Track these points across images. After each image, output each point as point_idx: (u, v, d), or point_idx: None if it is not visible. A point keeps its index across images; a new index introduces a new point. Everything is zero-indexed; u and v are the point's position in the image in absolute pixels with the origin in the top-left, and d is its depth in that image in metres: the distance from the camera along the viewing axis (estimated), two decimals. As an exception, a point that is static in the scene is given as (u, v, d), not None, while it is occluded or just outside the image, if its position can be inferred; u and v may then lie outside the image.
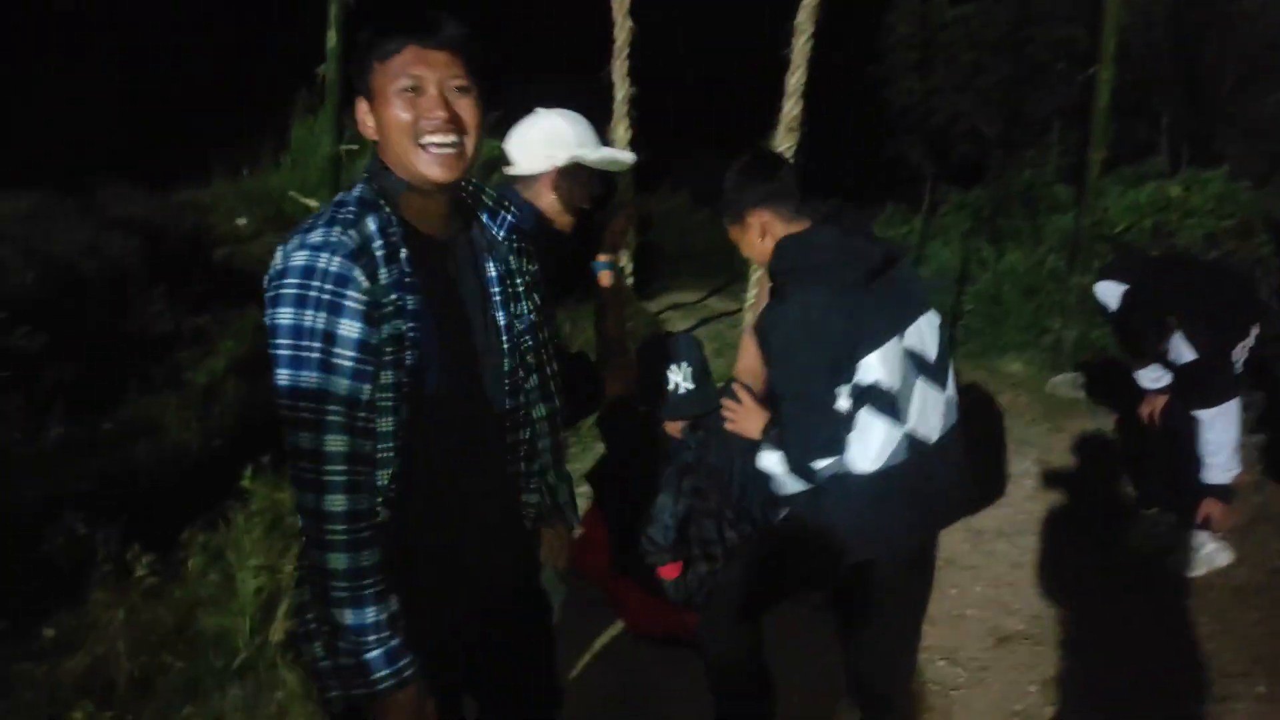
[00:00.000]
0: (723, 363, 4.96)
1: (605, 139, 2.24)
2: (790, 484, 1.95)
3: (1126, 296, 3.33)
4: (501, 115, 9.30)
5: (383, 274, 1.29)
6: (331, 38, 5.19)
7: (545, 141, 2.05)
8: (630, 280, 5.72)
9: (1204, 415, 3.18)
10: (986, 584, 3.42)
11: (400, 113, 1.33)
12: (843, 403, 1.87)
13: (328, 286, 1.24)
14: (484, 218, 1.50)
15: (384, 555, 1.31)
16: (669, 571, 2.77)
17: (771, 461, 1.98)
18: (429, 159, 1.33)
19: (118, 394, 4.95)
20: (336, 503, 1.25)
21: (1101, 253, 6.54)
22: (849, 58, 13.93)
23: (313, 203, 5.65)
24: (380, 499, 1.32)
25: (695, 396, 2.79)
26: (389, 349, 1.29)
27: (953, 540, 3.79)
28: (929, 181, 12.58)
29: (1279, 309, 4.51)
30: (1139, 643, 2.95)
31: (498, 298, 1.47)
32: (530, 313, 1.51)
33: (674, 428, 2.83)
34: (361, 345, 1.26)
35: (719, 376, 3.07)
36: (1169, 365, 3.30)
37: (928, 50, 13.06)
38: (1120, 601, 3.21)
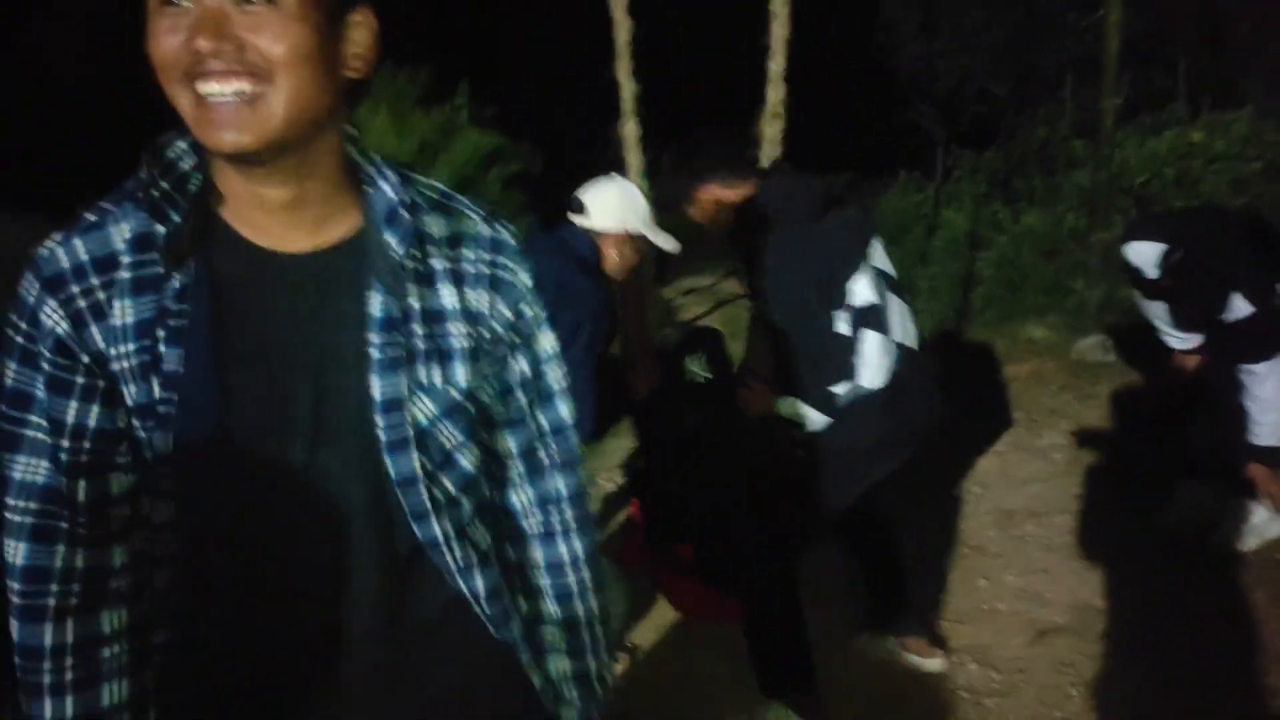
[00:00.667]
0: (739, 345, 4.74)
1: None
2: (817, 419, 2.19)
3: (1170, 258, 3.04)
4: (498, 110, 9.08)
5: (115, 313, 0.86)
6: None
7: (622, 206, 2.31)
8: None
9: (1259, 370, 2.90)
10: (1018, 573, 3.15)
11: (162, 39, 0.80)
12: (842, 327, 2.11)
13: (10, 316, 0.87)
14: (377, 219, 0.91)
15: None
16: (685, 549, 2.73)
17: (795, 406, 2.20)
18: (203, 116, 0.80)
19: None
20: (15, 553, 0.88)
21: (1123, 207, 6.23)
22: (852, 29, 13.63)
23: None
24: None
25: (713, 386, 2.79)
26: (109, 434, 0.88)
27: (979, 524, 3.54)
28: (941, 147, 12.24)
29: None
30: (1189, 630, 2.67)
31: (377, 354, 0.90)
32: (461, 381, 0.95)
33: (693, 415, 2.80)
34: (44, 412, 0.87)
35: (737, 358, 2.92)
36: (1216, 324, 3.02)
37: (932, 12, 12.70)
38: (1166, 584, 2.93)
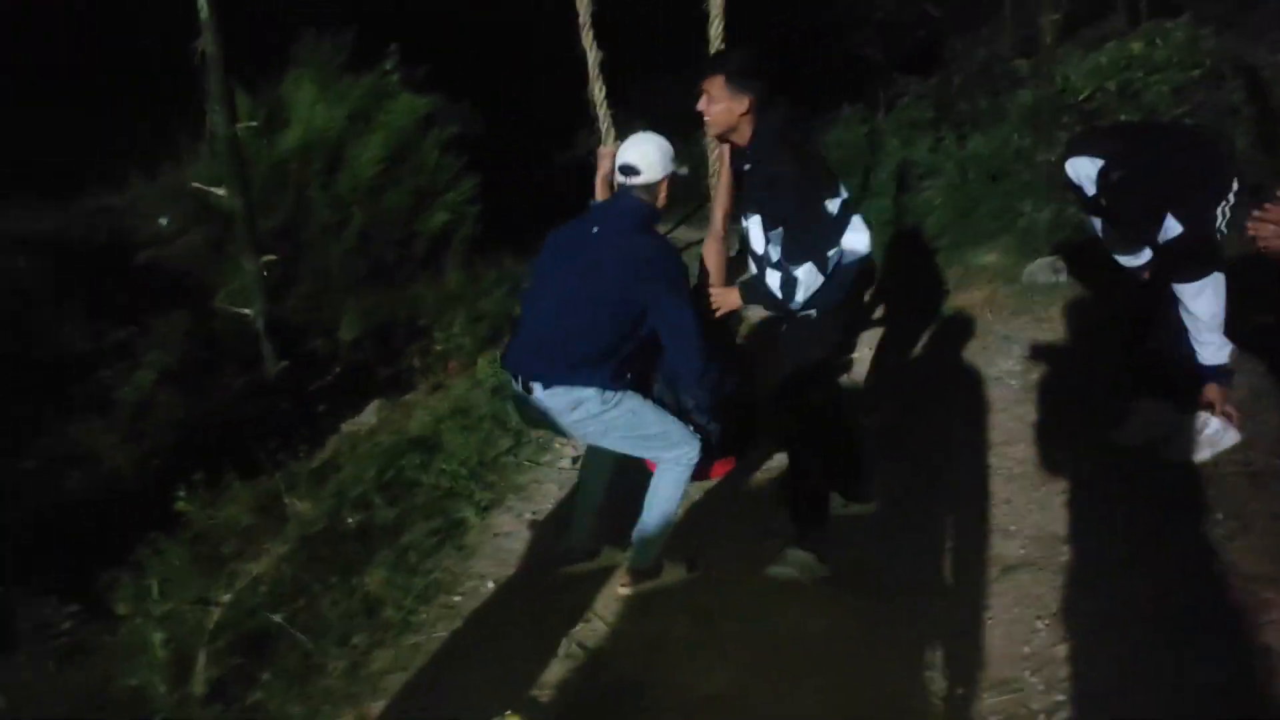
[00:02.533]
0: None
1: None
2: (813, 281, 2.66)
3: (1107, 175, 2.98)
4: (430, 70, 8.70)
5: None
6: (204, 7, 4.71)
7: (662, 155, 2.78)
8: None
9: (1190, 289, 2.87)
10: (979, 506, 3.13)
11: None
12: (833, 208, 2.77)
13: None
14: None
15: None
16: None
17: (775, 280, 2.69)
18: None
19: (35, 425, 4.60)
20: None
21: (1068, 124, 6.16)
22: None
23: (219, 190, 5.21)
24: None
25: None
26: None
27: (935, 458, 3.51)
28: (885, 76, 12.08)
29: (1263, 160, 4.15)
30: (1152, 552, 2.67)
31: None
32: None
33: None
34: None
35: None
36: (1152, 243, 2.98)
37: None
38: (1127, 505, 2.93)
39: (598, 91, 3.56)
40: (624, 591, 2.94)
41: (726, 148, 2.94)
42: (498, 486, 3.95)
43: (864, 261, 2.90)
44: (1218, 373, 2.99)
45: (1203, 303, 2.87)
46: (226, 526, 3.65)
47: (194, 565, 3.35)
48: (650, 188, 2.77)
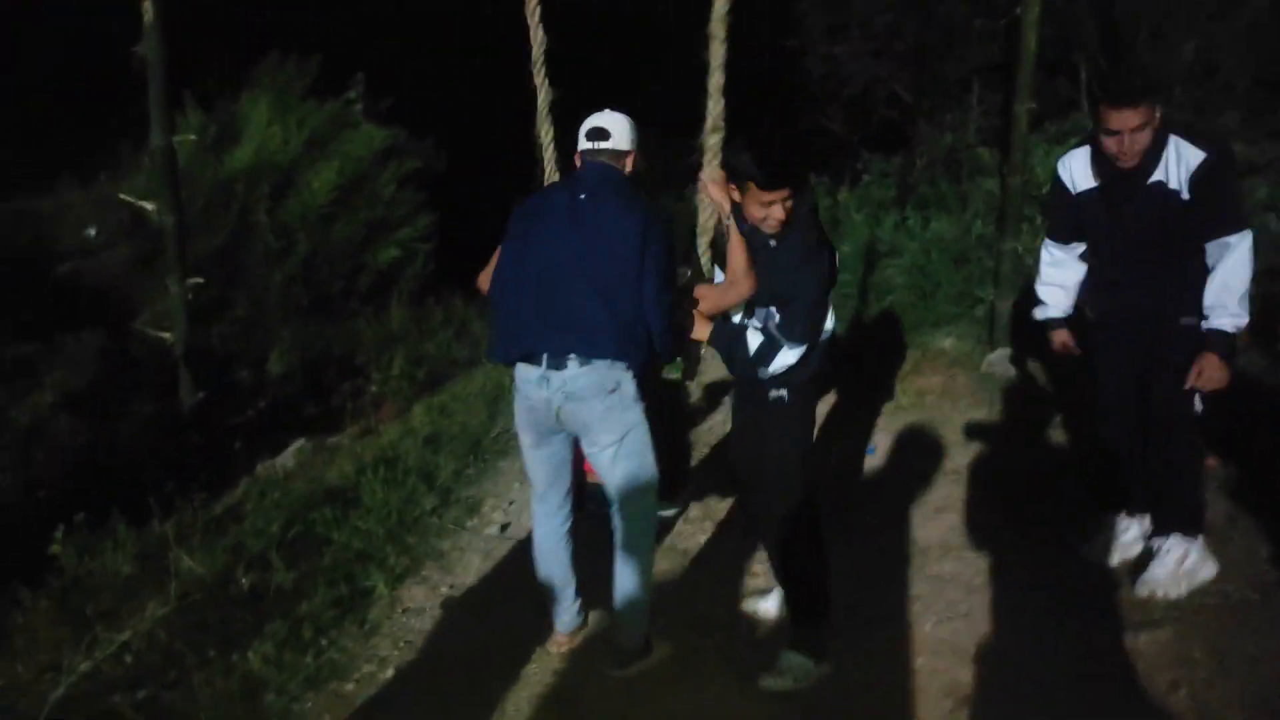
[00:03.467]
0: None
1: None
2: (790, 360, 2.56)
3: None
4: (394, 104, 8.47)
5: None
6: (148, 10, 4.42)
7: (632, 130, 2.73)
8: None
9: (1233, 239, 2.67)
10: (939, 619, 2.88)
11: None
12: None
13: None
14: None
15: None
16: None
17: (755, 342, 2.60)
18: None
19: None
20: None
21: (1031, 215, 6.12)
22: (765, 30, 13.45)
23: (148, 205, 4.87)
24: None
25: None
26: None
27: (896, 557, 3.27)
28: (852, 152, 12.16)
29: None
30: (1123, 691, 2.43)
31: None
32: None
33: None
34: None
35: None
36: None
37: (841, 15, 12.62)
38: (1095, 635, 2.69)
39: (545, 132, 3.39)
40: (617, 675, 2.71)
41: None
42: (415, 551, 3.61)
43: (831, 340, 2.74)
44: (1222, 342, 2.73)
45: (1242, 259, 2.66)
46: (103, 578, 3.25)
47: (57, 622, 2.95)
48: (619, 155, 2.69)
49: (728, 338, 2.67)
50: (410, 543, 3.66)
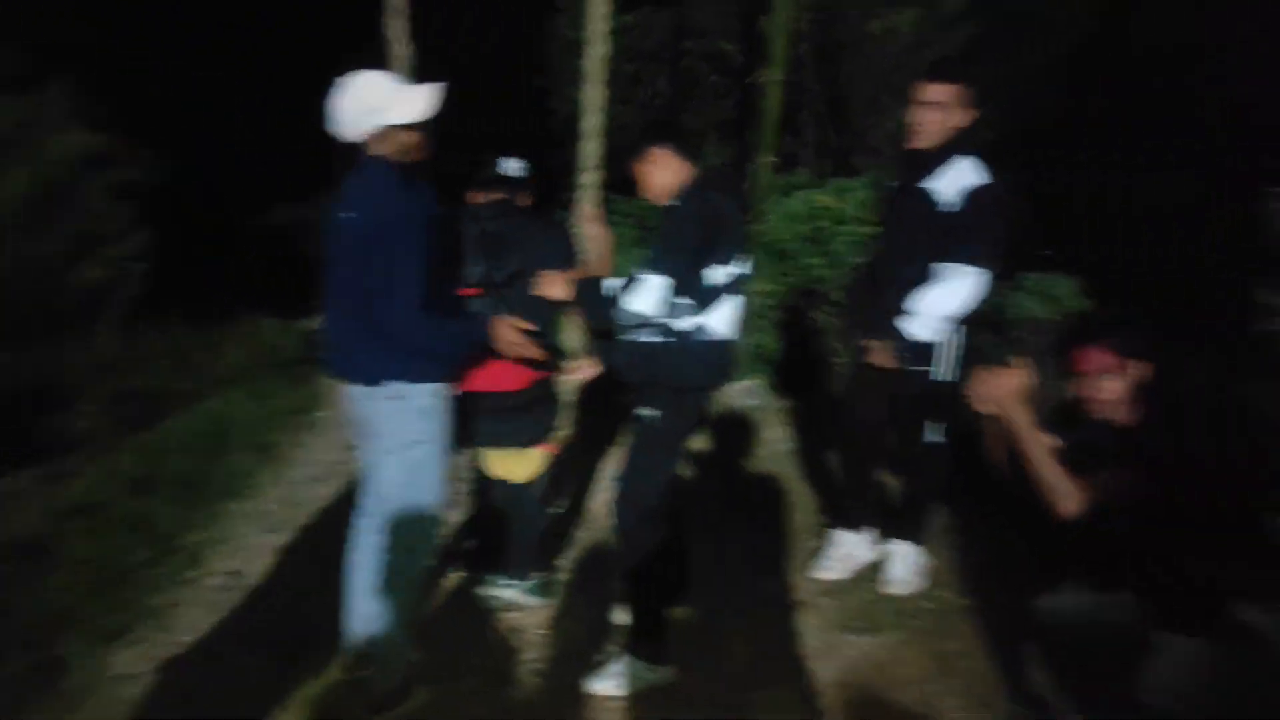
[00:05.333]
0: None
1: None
2: (654, 298, 2.43)
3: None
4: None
5: None
6: None
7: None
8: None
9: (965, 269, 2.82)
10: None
11: None
12: (719, 277, 2.54)
13: None
14: None
15: None
16: None
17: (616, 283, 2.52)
18: None
19: None
20: None
21: (767, 264, 6.56)
22: (521, 66, 13.54)
23: None
24: None
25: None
26: None
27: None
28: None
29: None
30: (853, 690, 2.61)
31: None
32: None
33: None
34: None
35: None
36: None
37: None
38: (823, 638, 2.88)
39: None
40: None
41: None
42: (129, 609, 3.20)
43: (723, 350, 2.62)
44: (906, 342, 2.95)
45: (964, 290, 2.82)
46: None
47: None
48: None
49: (587, 290, 2.66)
50: (126, 598, 3.24)
